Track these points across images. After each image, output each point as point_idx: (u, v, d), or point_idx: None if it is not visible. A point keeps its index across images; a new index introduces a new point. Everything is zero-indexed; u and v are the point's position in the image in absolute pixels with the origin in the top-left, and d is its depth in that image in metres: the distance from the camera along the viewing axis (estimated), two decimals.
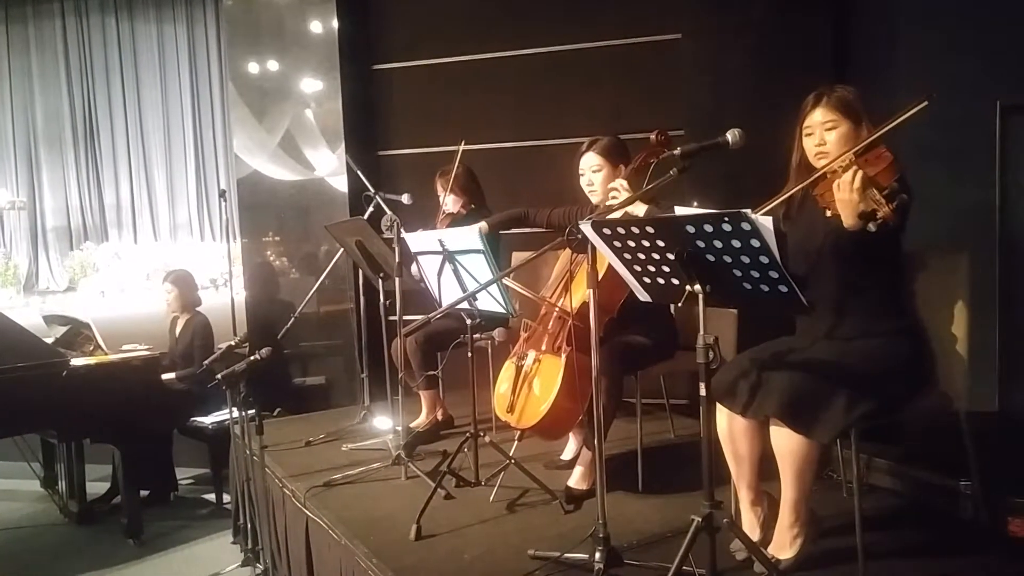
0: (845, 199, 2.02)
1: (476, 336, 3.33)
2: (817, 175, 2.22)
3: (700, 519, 2.04)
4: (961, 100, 3.71)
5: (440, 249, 2.96)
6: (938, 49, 3.92)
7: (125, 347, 4.65)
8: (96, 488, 4.75)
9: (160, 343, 4.99)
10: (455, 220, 3.95)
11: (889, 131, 2.12)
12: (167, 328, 5.16)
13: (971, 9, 3.87)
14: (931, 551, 2.45)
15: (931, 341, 2.39)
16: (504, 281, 2.85)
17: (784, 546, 2.30)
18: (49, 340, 4.74)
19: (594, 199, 3.12)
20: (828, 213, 2.17)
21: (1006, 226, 3.82)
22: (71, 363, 4.21)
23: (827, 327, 2.34)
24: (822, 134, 2.30)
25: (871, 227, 1.97)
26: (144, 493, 4.62)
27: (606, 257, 2.22)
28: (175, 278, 5.11)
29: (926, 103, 2.04)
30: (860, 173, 1.99)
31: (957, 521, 2.65)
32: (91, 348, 4.59)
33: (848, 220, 2.04)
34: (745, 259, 1.90)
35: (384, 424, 3.97)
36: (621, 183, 2.87)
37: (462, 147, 3.73)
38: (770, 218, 1.83)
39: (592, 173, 3.10)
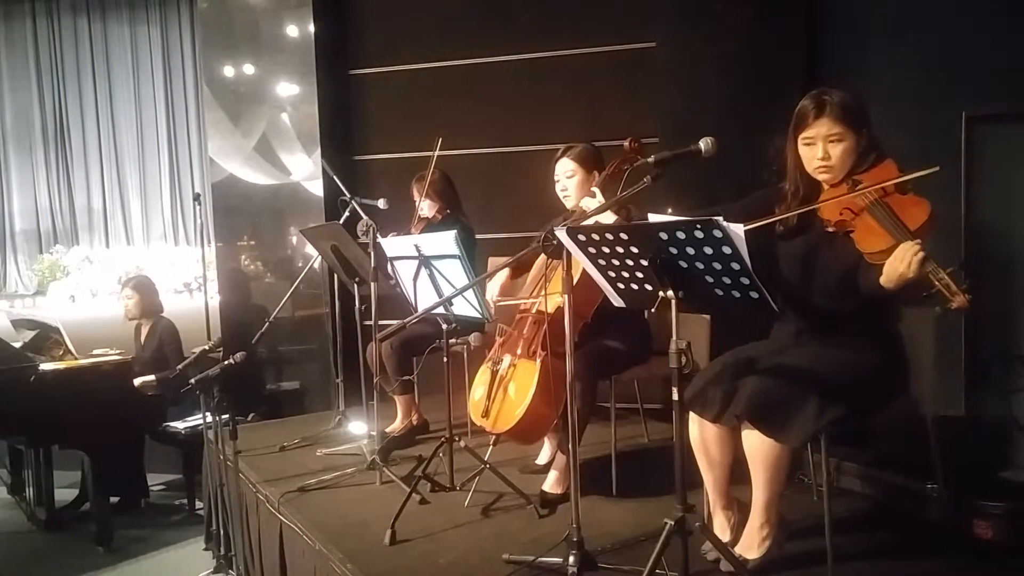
0: (898, 270, 1.94)
1: (452, 341, 3.34)
2: (826, 200, 2.20)
3: (672, 523, 2.06)
4: (928, 110, 3.79)
5: (416, 254, 2.97)
6: (907, 60, 4.00)
7: (95, 351, 4.60)
8: (65, 495, 4.69)
9: (131, 347, 4.94)
10: (429, 225, 3.96)
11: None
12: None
13: (938, 23, 3.95)
14: (899, 553, 2.50)
15: (906, 352, 2.39)
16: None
17: (752, 546, 2.33)
18: (17, 344, 4.69)
19: (568, 204, 3.15)
20: (829, 228, 2.19)
21: (971, 234, 3.90)
22: (39, 368, 4.16)
23: (802, 335, 2.37)
24: (826, 147, 2.22)
25: (938, 310, 1.86)
26: (114, 499, 4.57)
27: (580, 263, 2.24)
28: (136, 283, 5.06)
29: (937, 168, 2.00)
30: (920, 256, 1.90)
31: (924, 523, 2.69)
32: (60, 352, 4.54)
33: (889, 284, 1.99)
34: (717, 265, 1.93)
35: (359, 429, 3.96)
36: (595, 191, 2.89)
37: (437, 150, 3.70)
38: (741, 225, 1.85)
39: (566, 179, 3.13)
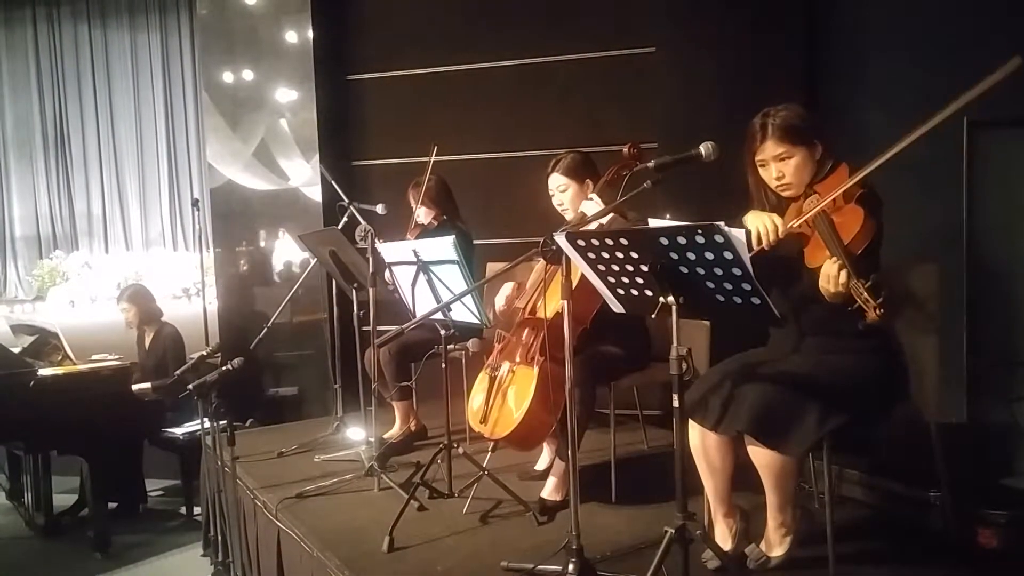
0: (830, 290, 1.99)
1: (450, 347, 3.32)
2: (794, 224, 2.20)
3: (673, 530, 2.04)
4: (929, 115, 3.77)
5: (414, 260, 2.95)
6: (906, 64, 3.99)
7: (94, 357, 4.59)
8: (63, 500, 4.68)
9: (130, 353, 4.93)
10: (425, 232, 3.94)
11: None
12: (135, 340, 5.10)
13: (939, 26, 3.94)
14: (902, 562, 2.47)
15: (905, 357, 2.39)
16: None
17: (774, 545, 2.34)
18: (16, 350, 4.68)
19: (568, 217, 3.13)
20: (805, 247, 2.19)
21: (973, 240, 3.88)
22: (38, 373, 4.15)
23: (800, 341, 2.36)
24: (778, 166, 2.27)
25: (860, 325, 1.91)
26: (112, 505, 4.55)
27: (580, 268, 2.22)
28: (131, 295, 5.06)
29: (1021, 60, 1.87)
30: (845, 272, 1.94)
31: (927, 532, 2.67)
32: (59, 358, 4.53)
33: (827, 298, 2.03)
34: (718, 271, 1.91)
35: (357, 435, 3.94)
36: (593, 196, 2.88)
37: (433, 156, 3.70)
38: (743, 231, 1.84)
39: (560, 193, 3.12)
